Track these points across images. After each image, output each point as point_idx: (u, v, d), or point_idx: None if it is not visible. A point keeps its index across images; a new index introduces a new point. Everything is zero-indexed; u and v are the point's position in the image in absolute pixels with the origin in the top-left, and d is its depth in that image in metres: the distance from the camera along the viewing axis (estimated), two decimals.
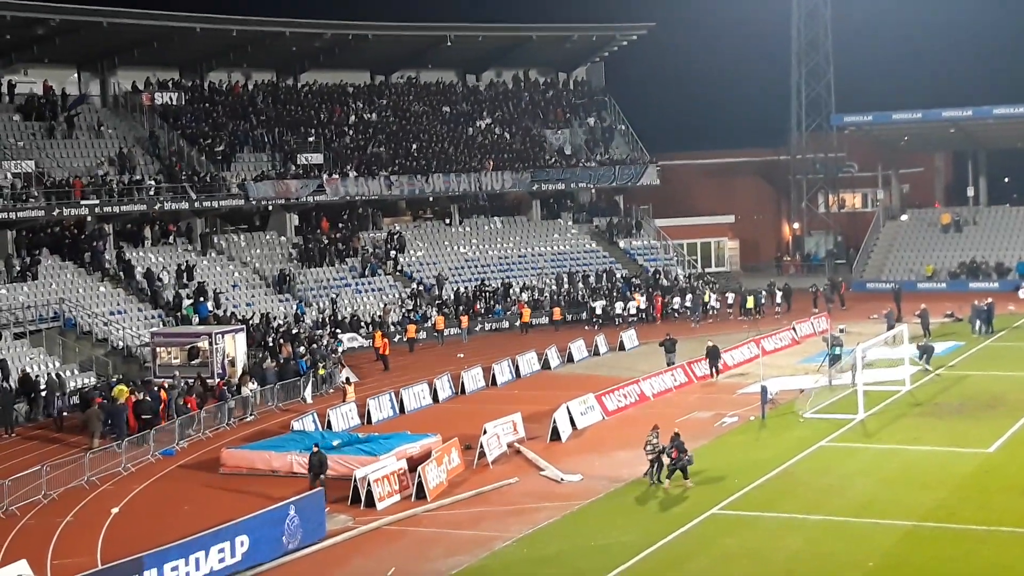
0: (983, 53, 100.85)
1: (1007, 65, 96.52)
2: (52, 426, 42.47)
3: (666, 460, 31.49)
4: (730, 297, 66.98)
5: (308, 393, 46.33)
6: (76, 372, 47.40)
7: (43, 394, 43.96)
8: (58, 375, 45.61)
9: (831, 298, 66.86)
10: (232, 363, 47.73)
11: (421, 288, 64.98)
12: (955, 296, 66.60)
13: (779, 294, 67.10)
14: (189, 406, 41.91)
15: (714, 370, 47.41)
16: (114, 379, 45.44)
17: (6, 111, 61.44)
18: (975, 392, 42.34)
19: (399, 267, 66.99)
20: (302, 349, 50.56)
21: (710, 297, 66.77)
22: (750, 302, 65.09)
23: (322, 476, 31.48)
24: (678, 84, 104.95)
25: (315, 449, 32.13)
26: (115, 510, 31.24)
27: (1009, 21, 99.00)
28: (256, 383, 44.98)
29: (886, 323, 54.38)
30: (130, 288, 55.83)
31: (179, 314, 54.41)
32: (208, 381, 45.34)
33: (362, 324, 59.95)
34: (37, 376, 45.29)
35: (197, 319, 53.81)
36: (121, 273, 56.39)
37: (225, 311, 55.74)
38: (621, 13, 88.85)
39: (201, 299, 55.64)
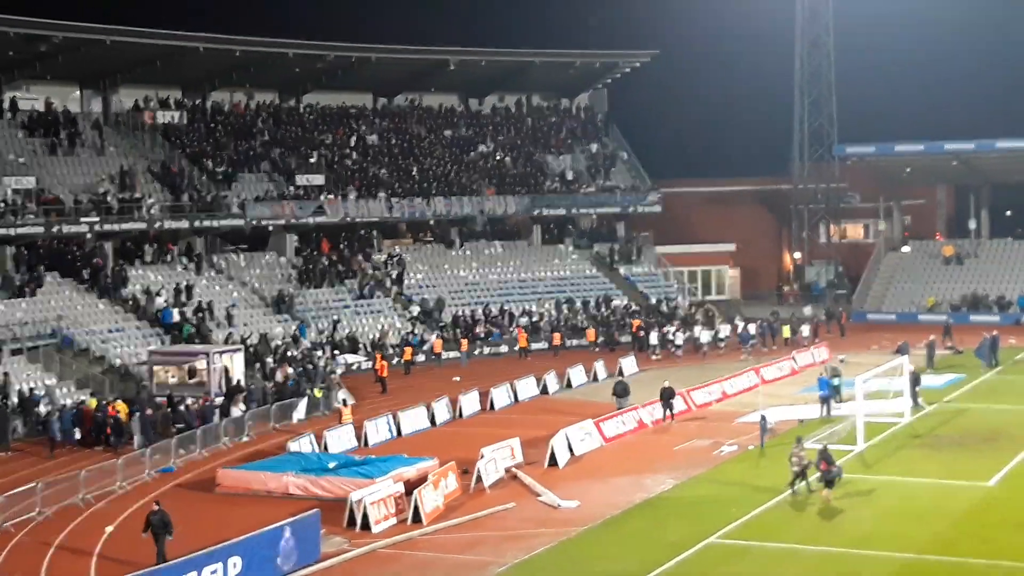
0: (987, 86, 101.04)
1: (1011, 98, 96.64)
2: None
3: (815, 473, 32.11)
4: (752, 327, 64.55)
5: (301, 413, 46.07)
6: (73, 389, 47.19)
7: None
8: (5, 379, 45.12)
9: (816, 330, 65.73)
10: (229, 382, 47.53)
11: (423, 314, 64.84)
12: (957, 329, 66.33)
13: (806, 326, 66.00)
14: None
15: (667, 412, 44.32)
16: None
17: (8, 127, 61.44)
18: (975, 425, 42.17)
19: (402, 291, 66.79)
20: (292, 370, 50.38)
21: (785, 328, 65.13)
22: (786, 331, 64.67)
23: (167, 537, 27.55)
24: (681, 111, 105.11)
25: (155, 507, 28.22)
26: (109, 529, 31.01)
27: (1013, 55, 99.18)
28: (244, 403, 44.80)
29: (926, 352, 55.08)
30: (128, 306, 55.68)
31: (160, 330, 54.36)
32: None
33: (360, 346, 59.82)
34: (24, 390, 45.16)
35: (199, 339, 53.68)
36: (119, 291, 56.21)
37: (203, 316, 55.45)
38: (625, 40, 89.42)
39: (166, 305, 55.80)
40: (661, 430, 43.09)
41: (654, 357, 61.61)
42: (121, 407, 43.15)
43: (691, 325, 67.34)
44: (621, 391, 45.54)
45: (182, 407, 43.28)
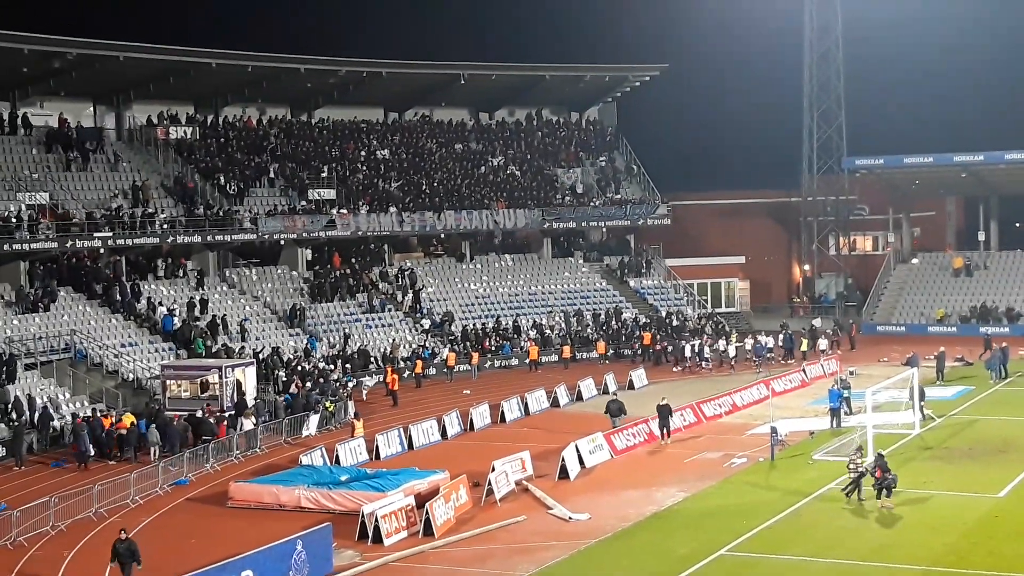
0: (995, 98, 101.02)
1: (1019, 110, 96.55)
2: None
3: (870, 480, 32.79)
4: (769, 340, 63.88)
5: (311, 428, 46.24)
6: (86, 404, 47.45)
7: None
8: None
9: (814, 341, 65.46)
10: (241, 396, 47.77)
11: (434, 327, 65.09)
12: (966, 340, 66.47)
13: (824, 340, 65.51)
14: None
15: (664, 431, 43.05)
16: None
17: (22, 143, 61.80)
18: (985, 437, 42.22)
19: (419, 305, 66.89)
20: (309, 384, 50.64)
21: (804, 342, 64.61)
22: (804, 344, 64.38)
23: (136, 565, 27.26)
24: (690, 125, 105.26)
25: (121, 535, 27.72)
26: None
27: (1022, 67, 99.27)
28: (254, 417, 45.04)
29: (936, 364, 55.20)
30: (140, 320, 55.97)
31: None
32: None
33: (372, 359, 60.03)
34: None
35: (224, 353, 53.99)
36: (132, 306, 56.51)
37: (201, 327, 55.89)
38: (634, 54, 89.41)
39: (168, 312, 56.34)
40: (674, 441, 43.11)
41: (676, 369, 61.77)
42: (128, 419, 43.54)
43: (716, 338, 67.02)
44: (616, 410, 44.92)
45: (211, 419, 43.77)
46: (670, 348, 64.91)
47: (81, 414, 45.40)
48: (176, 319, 55.95)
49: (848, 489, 33.37)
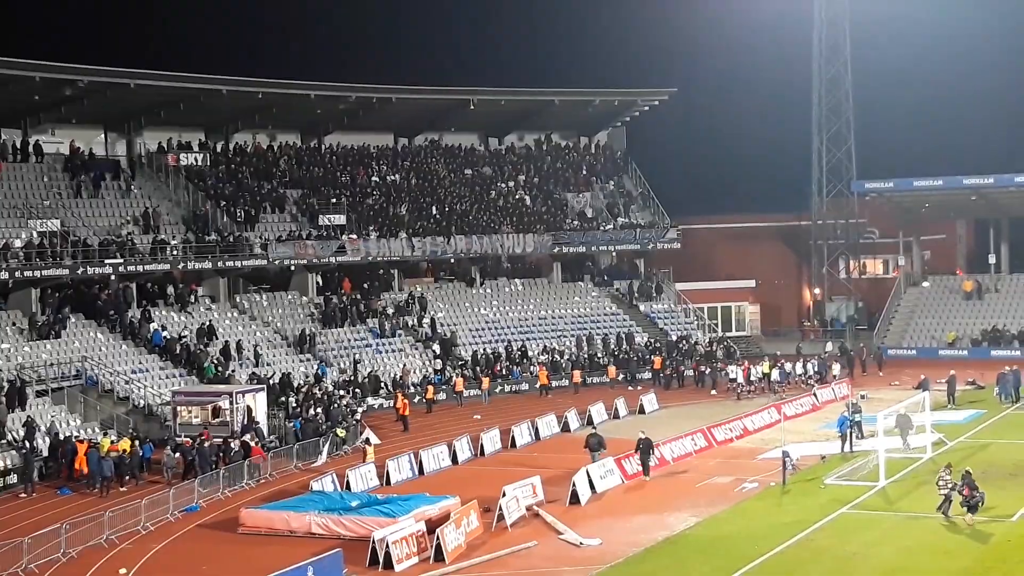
0: (1005, 121, 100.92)
1: None
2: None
3: (958, 497, 33.26)
4: (794, 366, 62.89)
5: (324, 455, 46.26)
6: (97, 430, 47.51)
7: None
8: None
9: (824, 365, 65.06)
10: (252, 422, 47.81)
11: (442, 351, 65.12)
12: (977, 364, 66.26)
13: (837, 365, 64.84)
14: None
15: (645, 467, 41.58)
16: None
17: (33, 171, 62.03)
18: (998, 460, 42.04)
19: (436, 330, 66.90)
20: (320, 409, 50.69)
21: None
22: (835, 369, 63.61)
23: None
24: (699, 149, 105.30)
25: None
26: (124, 572, 31.11)
27: None
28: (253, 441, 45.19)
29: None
30: (151, 347, 56.07)
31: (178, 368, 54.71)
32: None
33: (382, 384, 60.05)
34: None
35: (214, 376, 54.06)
36: (143, 332, 56.62)
37: (200, 349, 56.15)
38: (643, 79, 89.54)
39: (154, 327, 56.72)
40: (684, 465, 43.02)
41: (713, 393, 61.45)
42: (124, 444, 43.75)
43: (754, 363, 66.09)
44: (595, 444, 42.62)
45: (234, 445, 44.08)
46: (708, 371, 64.58)
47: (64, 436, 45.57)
48: (166, 333, 56.28)
49: (942, 507, 33.63)
